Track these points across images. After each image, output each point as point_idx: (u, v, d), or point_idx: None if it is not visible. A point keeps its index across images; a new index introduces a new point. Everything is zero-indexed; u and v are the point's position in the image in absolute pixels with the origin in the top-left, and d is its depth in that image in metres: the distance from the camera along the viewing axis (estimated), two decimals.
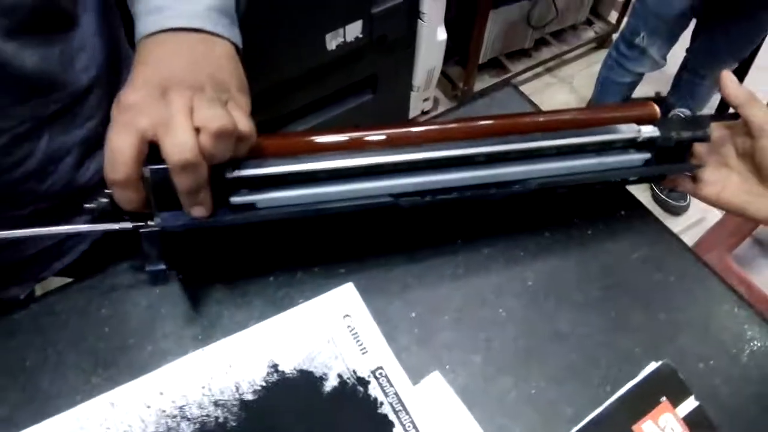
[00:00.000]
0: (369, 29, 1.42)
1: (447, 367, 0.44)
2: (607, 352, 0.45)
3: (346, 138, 0.44)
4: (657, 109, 0.50)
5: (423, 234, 0.50)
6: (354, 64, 1.53)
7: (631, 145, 0.48)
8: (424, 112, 1.93)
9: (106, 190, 0.38)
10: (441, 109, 1.98)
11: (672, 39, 1.52)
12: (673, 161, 0.49)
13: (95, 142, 0.54)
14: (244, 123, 0.37)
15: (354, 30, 1.39)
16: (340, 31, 1.37)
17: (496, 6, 1.78)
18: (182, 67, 0.37)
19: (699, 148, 0.49)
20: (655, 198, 1.76)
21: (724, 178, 0.49)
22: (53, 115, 0.48)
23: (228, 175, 0.39)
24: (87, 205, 0.40)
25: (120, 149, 0.34)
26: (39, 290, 0.63)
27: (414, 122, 0.49)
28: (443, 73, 1.88)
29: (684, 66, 1.65)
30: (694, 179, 0.50)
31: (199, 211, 0.38)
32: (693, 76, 1.63)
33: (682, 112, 1.60)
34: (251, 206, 0.41)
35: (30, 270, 0.57)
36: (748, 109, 0.46)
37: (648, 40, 1.50)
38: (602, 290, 0.49)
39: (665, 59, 1.56)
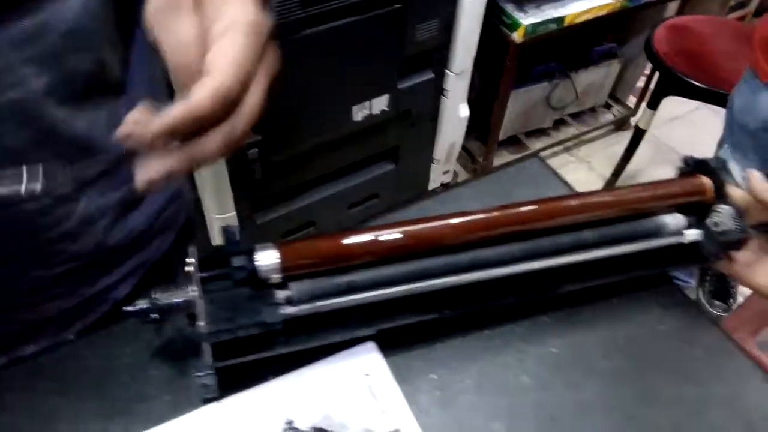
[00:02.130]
0: (395, 103, 1.47)
1: (468, 430, 0.43)
2: (635, 426, 0.44)
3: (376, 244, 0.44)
4: (708, 183, 0.51)
5: (447, 294, 0.50)
6: (378, 136, 1.57)
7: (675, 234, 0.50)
8: (443, 185, 1.96)
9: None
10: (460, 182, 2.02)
11: (761, 164, 1.27)
12: None
13: (129, 204, 0.55)
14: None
15: (380, 103, 1.45)
16: (367, 103, 1.42)
17: (517, 87, 1.84)
18: None
19: None
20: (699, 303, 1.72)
21: (759, 261, 0.50)
22: (94, 178, 0.49)
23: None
24: (126, 309, 0.40)
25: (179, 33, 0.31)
26: None
27: (452, 215, 0.49)
28: (464, 147, 1.93)
29: None
30: (731, 259, 0.50)
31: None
32: None
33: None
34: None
35: (49, 329, 0.57)
36: None
37: (730, 153, 1.33)
38: (629, 361, 0.48)
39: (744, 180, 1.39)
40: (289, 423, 0.42)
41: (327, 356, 0.46)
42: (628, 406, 0.45)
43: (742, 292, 1.68)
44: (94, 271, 0.55)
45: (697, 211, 0.52)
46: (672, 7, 1.93)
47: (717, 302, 1.70)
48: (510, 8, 1.54)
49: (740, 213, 0.49)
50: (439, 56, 1.50)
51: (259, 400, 0.43)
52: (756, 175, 0.50)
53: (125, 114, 0.49)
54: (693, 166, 0.52)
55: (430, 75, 1.51)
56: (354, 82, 1.36)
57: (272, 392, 0.44)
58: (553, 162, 2.11)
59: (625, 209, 0.49)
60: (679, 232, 0.50)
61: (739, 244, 0.49)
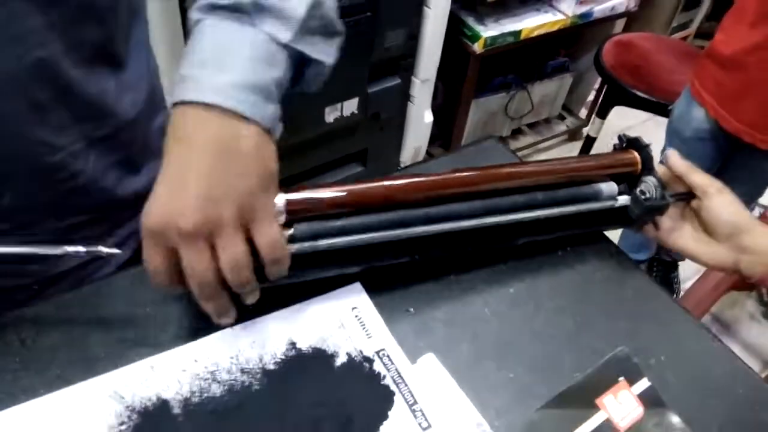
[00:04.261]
0: (364, 106, 1.57)
1: (439, 351, 0.51)
2: (574, 347, 0.53)
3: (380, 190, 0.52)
4: (637, 157, 0.60)
5: (423, 242, 0.59)
6: (348, 138, 1.66)
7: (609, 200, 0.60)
8: None
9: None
10: None
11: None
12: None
13: (134, 164, 0.62)
14: (266, 252, 0.43)
15: (351, 106, 1.54)
16: (338, 105, 1.51)
17: (477, 96, 1.96)
18: (203, 184, 0.40)
19: None
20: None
21: (680, 227, 0.60)
22: (102, 138, 0.55)
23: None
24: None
25: (155, 268, 0.42)
26: None
27: (429, 174, 0.57)
28: (428, 153, 2.04)
29: None
30: (656, 226, 0.61)
31: (224, 321, 0.47)
32: None
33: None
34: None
35: (58, 287, 0.62)
36: (689, 176, 0.59)
37: None
38: (571, 300, 0.57)
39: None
40: (292, 344, 0.50)
41: (321, 294, 0.54)
42: (569, 334, 0.55)
43: (683, 287, 1.83)
44: (100, 228, 0.61)
45: (628, 181, 0.62)
46: (619, 25, 2.09)
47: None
48: (471, 21, 1.66)
49: (663, 184, 0.60)
50: (405, 63, 1.61)
51: (265, 325, 0.51)
52: (674, 153, 0.61)
53: (126, 88, 0.55)
54: (626, 143, 0.63)
55: (397, 81, 1.62)
56: (326, 85, 1.45)
57: (277, 320, 0.52)
58: None
59: (570, 175, 0.59)
60: (612, 198, 0.61)
61: (660, 209, 0.59)
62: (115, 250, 0.47)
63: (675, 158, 0.60)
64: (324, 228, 0.50)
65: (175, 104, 0.43)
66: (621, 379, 0.50)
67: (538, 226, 0.59)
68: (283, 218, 0.49)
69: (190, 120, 0.42)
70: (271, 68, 0.45)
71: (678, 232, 0.60)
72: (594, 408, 0.48)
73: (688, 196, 0.60)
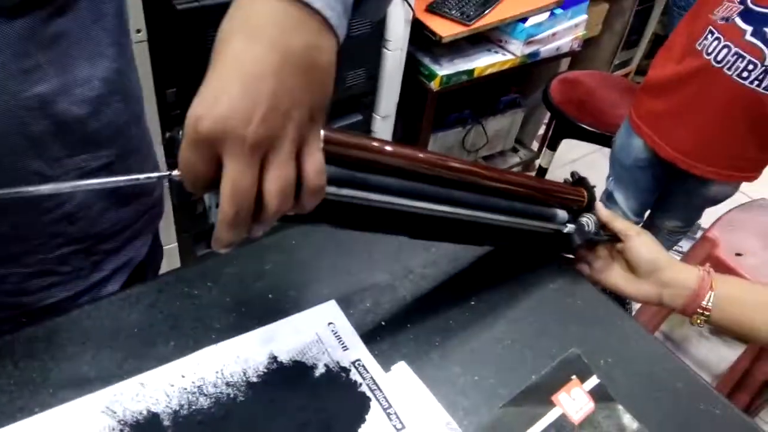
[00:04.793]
0: None
1: (411, 360, 0.56)
2: (532, 351, 0.59)
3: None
4: (585, 196, 0.67)
5: (421, 225, 0.60)
6: None
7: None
8: None
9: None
10: None
11: (636, 195, 1.55)
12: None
13: (124, 196, 0.63)
14: (312, 177, 0.36)
15: None
16: None
17: (435, 131, 2.05)
18: (273, 92, 0.34)
19: None
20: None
21: (609, 267, 0.68)
22: (93, 170, 0.57)
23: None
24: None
25: (196, 179, 0.35)
26: None
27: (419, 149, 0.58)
28: None
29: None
30: (590, 266, 0.68)
31: (225, 251, 0.38)
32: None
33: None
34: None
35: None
36: (612, 223, 0.66)
37: (614, 185, 1.60)
38: (527, 309, 0.63)
39: (634, 215, 1.59)
40: (274, 357, 0.54)
41: (300, 311, 0.58)
42: (527, 339, 0.60)
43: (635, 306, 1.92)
44: (87, 260, 0.63)
45: (572, 214, 0.68)
46: (565, 63, 2.23)
47: None
48: (427, 61, 1.76)
49: (601, 223, 0.67)
50: (366, 101, 1.68)
51: (247, 341, 0.55)
52: (600, 204, 0.68)
53: (128, 119, 0.58)
54: (577, 180, 0.69)
55: (359, 117, 1.69)
56: None
57: (258, 336, 0.55)
58: None
59: (533, 188, 0.64)
60: (563, 223, 0.67)
61: (596, 243, 0.67)
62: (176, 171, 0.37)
63: (601, 208, 0.67)
64: (349, 176, 0.47)
65: None
66: (573, 377, 0.55)
67: (506, 232, 0.63)
68: None
69: (266, 11, 0.35)
70: None
71: (608, 271, 0.68)
72: (550, 404, 0.54)
73: (615, 238, 0.67)
